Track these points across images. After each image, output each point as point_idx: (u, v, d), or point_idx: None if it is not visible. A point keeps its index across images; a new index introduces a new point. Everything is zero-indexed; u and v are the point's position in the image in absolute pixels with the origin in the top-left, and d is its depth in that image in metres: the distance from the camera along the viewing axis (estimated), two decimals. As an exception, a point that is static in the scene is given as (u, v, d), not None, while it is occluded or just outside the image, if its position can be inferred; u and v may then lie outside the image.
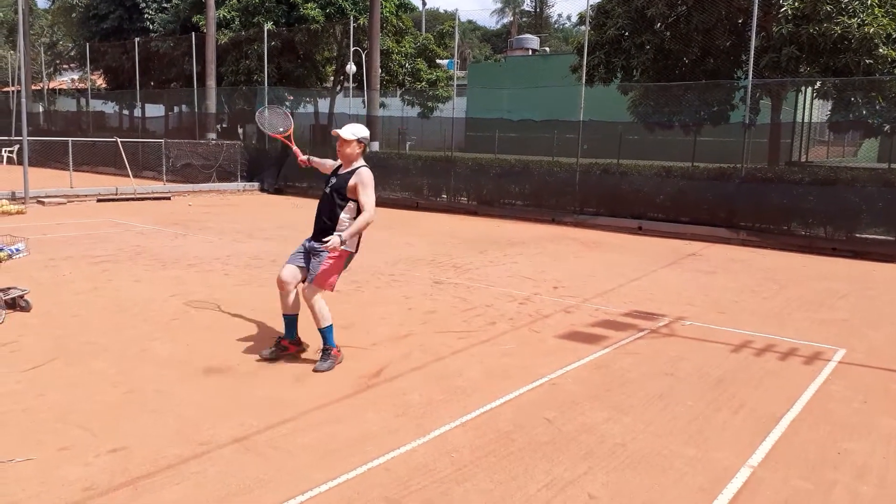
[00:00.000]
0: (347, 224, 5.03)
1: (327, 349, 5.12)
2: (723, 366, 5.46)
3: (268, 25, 22.67)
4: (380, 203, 18.58)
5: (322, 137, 26.22)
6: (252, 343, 5.68)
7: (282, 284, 5.14)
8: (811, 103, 22.45)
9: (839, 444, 4.08)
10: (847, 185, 11.65)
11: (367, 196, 5.02)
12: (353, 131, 5.11)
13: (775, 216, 12.20)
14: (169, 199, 17.32)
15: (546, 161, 16.02)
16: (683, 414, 4.47)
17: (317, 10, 23.98)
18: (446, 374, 5.08)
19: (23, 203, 14.48)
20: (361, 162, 5.19)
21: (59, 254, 9.26)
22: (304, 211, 15.67)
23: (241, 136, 24.84)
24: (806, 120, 23.04)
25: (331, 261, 4.98)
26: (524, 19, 78.93)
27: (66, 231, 11.44)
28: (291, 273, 5.12)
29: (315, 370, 5.03)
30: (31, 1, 41.20)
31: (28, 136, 15.66)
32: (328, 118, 26.62)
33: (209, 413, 4.25)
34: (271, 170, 19.98)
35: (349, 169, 5.12)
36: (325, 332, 5.10)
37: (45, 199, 15.39)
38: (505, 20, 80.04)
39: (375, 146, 19.42)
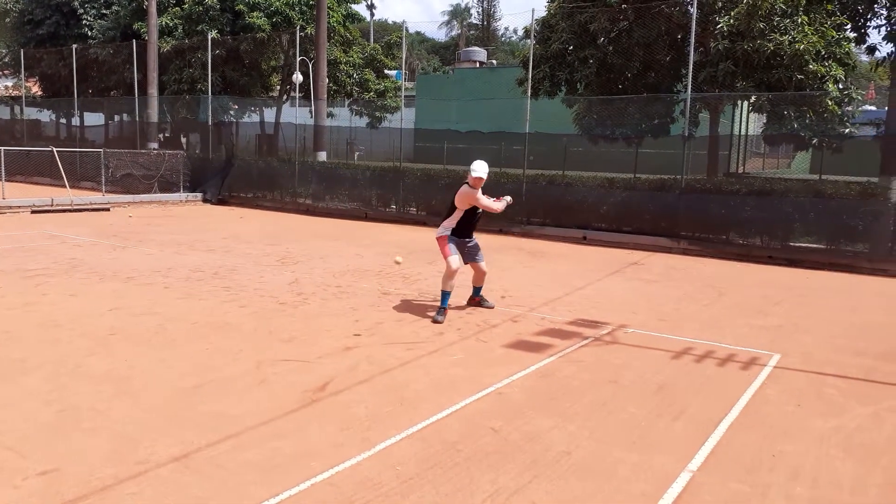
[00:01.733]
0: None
1: (482, 298, 7.75)
2: (664, 372, 5.58)
3: (212, 34, 22.28)
4: (328, 213, 18.36)
5: (267, 147, 25.88)
6: (192, 358, 5.55)
7: (456, 273, 7.23)
8: (747, 117, 23.25)
9: (774, 447, 4.21)
10: (781, 195, 12.10)
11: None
12: (486, 170, 7.19)
13: (714, 225, 12.59)
14: (108, 210, 16.81)
15: (493, 172, 16.11)
16: (626, 421, 4.55)
17: (263, 18, 23.72)
18: (393, 386, 5.05)
19: (-50, 215, 13.84)
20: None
21: (-12, 267, 8.87)
22: (248, 222, 15.41)
23: (184, 146, 24.32)
24: (742, 133, 23.86)
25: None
26: (472, 32, 79.72)
27: (-3, 244, 10.98)
28: (462, 263, 7.38)
29: (490, 307, 7.62)
30: (-38, 4, 39.57)
31: (-44, 144, 15.00)
32: (274, 128, 26.28)
33: (148, 431, 4.13)
34: (215, 180, 19.60)
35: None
36: (480, 287, 7.70)
37: (-25, 211, 14.74)
38: (453, 32, 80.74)
39: (322, 156, 19.26)
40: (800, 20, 13.62)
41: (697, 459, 3.99)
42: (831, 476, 3.86)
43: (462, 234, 7.45)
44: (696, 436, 4.32)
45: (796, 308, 8.30)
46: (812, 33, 13.42)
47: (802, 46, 13.15)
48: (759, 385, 5.34)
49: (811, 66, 13.33)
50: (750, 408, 4.85)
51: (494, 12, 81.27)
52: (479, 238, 7.74)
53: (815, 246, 11.74)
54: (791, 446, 4.24)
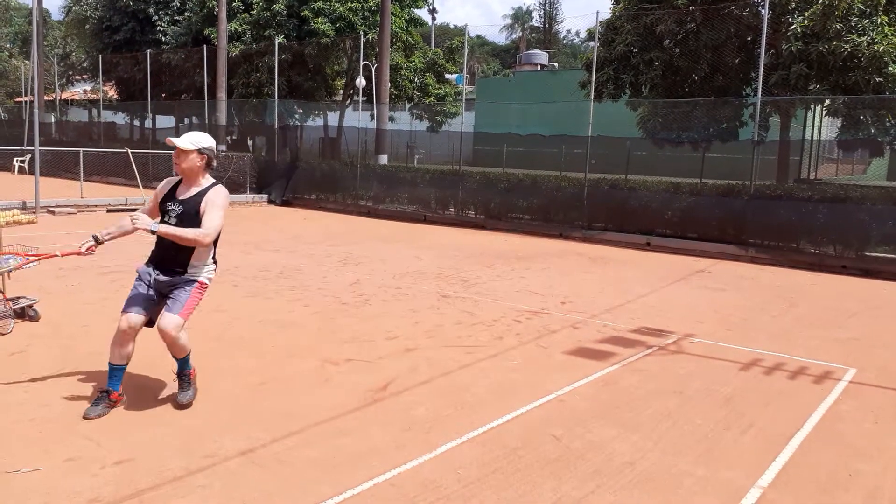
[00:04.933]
0: (204, 256, 4.47)
1: (186, 373, 4.58)
2: (732, 384, 5.42)
3: (278, 39, 22.84)
4: (388, 215, 18.55)
5: (330, 150, 26.35)
6: (259, 355, 5.68)
7: (129, 333, 4.33)
8: (820, 121, 22.41)
9: (850, 466, 4.03)
10: (856, 203, 11.60)
11: (212, 217, 4.33)
12: (193, 140, 4.35)
13: (784, 233, 12.16)
14: (178, 209, 17.37)
15: (554, 176, 16.02)
16: (692, 432, 4.43)
17: (327, 24, 24.16)
18: (453, 389, 5.06)
19: (34, 213, 14.57)
20: (211, 180, 4.51)
21: (68, 264, 9.30)
22: (312, 223, 15.73)
23: (251, 148, 24.97)
24: (815, 137, 23.01)
25: (199, 292, 4.45)
26: (533, 35, 79.31)
27: (76, 241, 11.47)
28: (138, 320, 4.36)
29: (180, 403, 4.47)
30: (46, 12, 41.71)
31: (40, 146, 15.79)
32: (337, 131, 26.76)
33: (216, 425, 4.24)
34: (280, 182, 20.06)
35: (197, 190, 4.41)
36: (185, 360, 4.54)
37: (56, 209, 15.48)
38: (514, 36, 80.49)
39: (384, 159, 19.49)
40: (879, 20, 13.07)
41: (768, 475, 3.85)
42: (913, 498, 3.68)
43: (155, 262, 4.49)
44: (766, 450, 4.18)
45: (873, 321, 7.94)
46: (892, 34, 12.86)
47: (882, 48, 12.61)
48: (834, 400, 5.13)
49: (891, 69, 12.78)
50: (823, 423, 4.66)
51: (556, 15, 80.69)
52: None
53: (893, 256, 11.21)
54: (868, 465, 4.05)
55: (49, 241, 11.09)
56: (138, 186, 18.65)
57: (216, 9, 23.47)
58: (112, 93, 34.89)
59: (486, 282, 9.27)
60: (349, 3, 24.48)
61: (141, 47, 29.12)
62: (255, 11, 25.10)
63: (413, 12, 27.51)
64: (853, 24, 13.11)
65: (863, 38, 12.87)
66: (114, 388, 4.40)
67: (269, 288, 8.32)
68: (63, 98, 38.80)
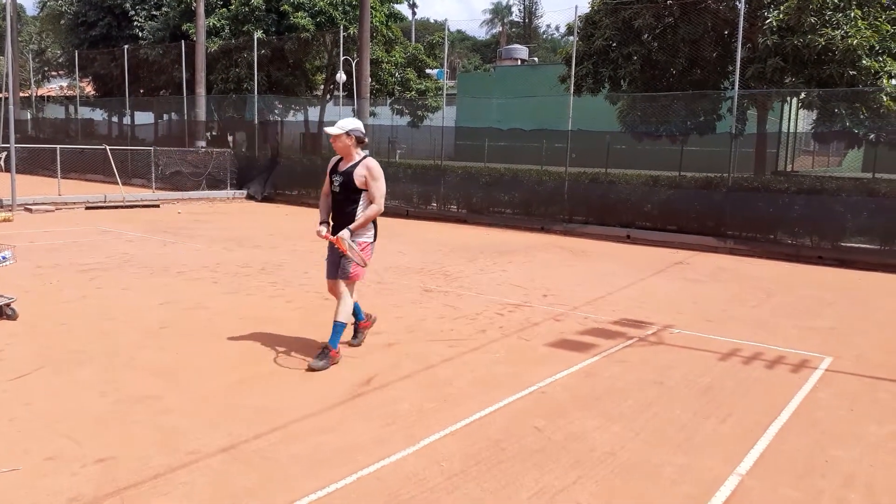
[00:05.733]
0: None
1: (327, 348, 5.36)
2: (711, 374, 5.49)
3: (258, 34, 22.65)
4: (369, 211, 18.18)
5: (312, 146, 26.22)
6: (240, 352, 5.66)
7: (329, 290, 5.65)
8: (796, 114, 22.68)
9: (827, 452, 4.11)
10: (832, 194, 11.77)
11: (376, 188, 5.34)
12: (340, 125, 5.35)
13: (762, 225, 12.32)
14: (158, 206, 17.24)
15: (535, 170, 16.08)
16: (672, 422, 4.49)
17: (307, 19, 24.00)
18: (436, 383, 5.08)
19: (10, 210, 14.38)
20: (364, 153, 5.46)
21: (46, 262, 9.19)
22: (294, 219, 15.66)
23: (231, 144, 24.78)
24: (791, 130, 23.27)
25: (356, 257, 5.36)
26: (513, 30, 79.39)
27: (54, 239, 11.36)
28: (331, 278, 5.57)
29: (309, 366, 5.23)
30: (20, 7, 41.03)
31: (16, 143, 15.56)
32: (318, 126, 26.62)
33: (197, 422, 4.23)
34: (261, 178, 19.94)
35: (353, 161, 5.39)
36: (337, 328, 5.36)
37: (33, 207, 15.28)
38: (494, 30, 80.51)
39: (365, 155, 19.41)
40: (853, 14, 13.24)
41: (746, 463, 3.92)
42: (886, 483, 3.76)
43: (333, 232, 5.50)
44: (744, 439, 4.24)
45: (848, 310, 8.07)
46: (865, 28, 13.04)
47: (855, 41, 12.79)
48: (810, 388, 5.22)
49: (864, 62, 12.96)
50: (800, 411, 4.74)
51: (536, 9, 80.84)
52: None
53: (867, 246, 11.40)
54: (844, 452, 4.13)
55: (26, 239, 10.96)
56: (117, 183, 18.44)
57: (194, 4, 23.22)
58: (89, 89, 34.40)
59: (468, 276, 9.29)
60: (328, -2, 24.33)
61: (118, 43, 28.73)
62: (233, 6, 24.87)
63: (393, 7, 27.40)
64: (827, 18, 13.27)
65: (837, 32, 13.04)
66: (332, 344, 5.36)
67: (250, 284, 8.29)
68: (39, 94, 38.23)
